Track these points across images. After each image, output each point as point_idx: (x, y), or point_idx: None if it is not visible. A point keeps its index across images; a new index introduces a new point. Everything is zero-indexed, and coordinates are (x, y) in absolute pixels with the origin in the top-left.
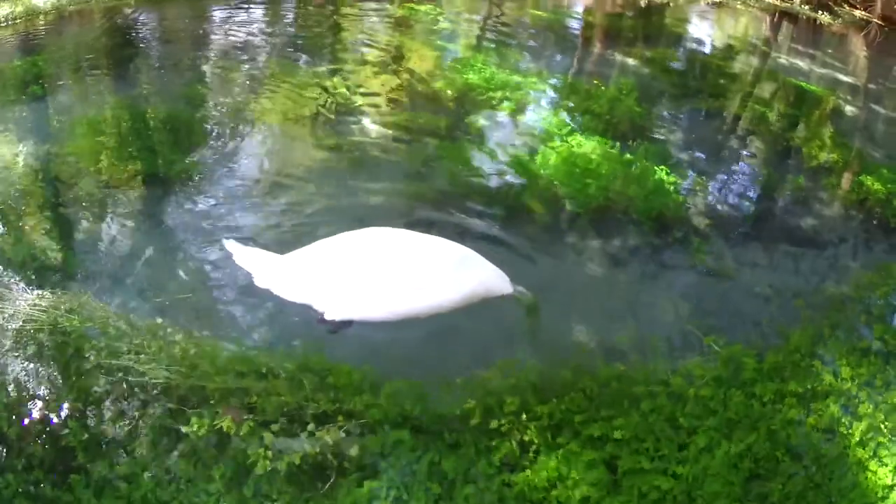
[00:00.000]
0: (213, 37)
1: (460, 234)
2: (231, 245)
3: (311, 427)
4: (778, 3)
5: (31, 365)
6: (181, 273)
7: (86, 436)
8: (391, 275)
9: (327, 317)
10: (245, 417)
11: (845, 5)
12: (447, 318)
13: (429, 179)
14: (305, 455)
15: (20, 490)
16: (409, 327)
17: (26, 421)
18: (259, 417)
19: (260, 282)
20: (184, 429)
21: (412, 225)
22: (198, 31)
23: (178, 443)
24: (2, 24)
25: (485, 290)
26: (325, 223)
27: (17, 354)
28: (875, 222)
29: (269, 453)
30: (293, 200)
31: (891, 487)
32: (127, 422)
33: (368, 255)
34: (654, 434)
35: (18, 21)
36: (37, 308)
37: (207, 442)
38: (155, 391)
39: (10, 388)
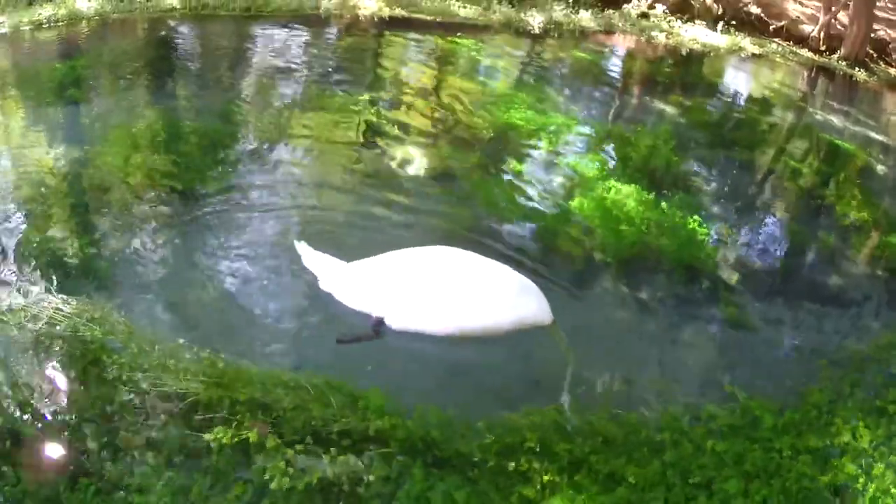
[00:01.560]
0: (254, 56)
1: None
2: (301, 247)
3: (333, 450)
4: (816, 58)
5: (47, 368)
6: (208, 287)
7: (98, 442)
8: (453, 292)
9: (387, 322)
10: (270, 431)
11: (882, 63)
12: (481, 347)
13: (462, 214)
14: (324, 477)
15: (28, 490)
16: (452, 350)
17: (34, 422)
18: (285, 434)
19: (323, 285)
20: (206, 436)
21: None
22: (239, 49)
23: (197, 456)
24: (44, 26)
25: (535, 319)
26: (357, 249)
27: (34, 356)
28: None
29: (290, 470)
30: (324, 226)
31: None
32: (141, 432)
33: (433, 271)
34: (666, 483)
35: (61, 24)
36: (59, 312)
37: (226, 454)
38: (175, 401)
39: (25, 388)
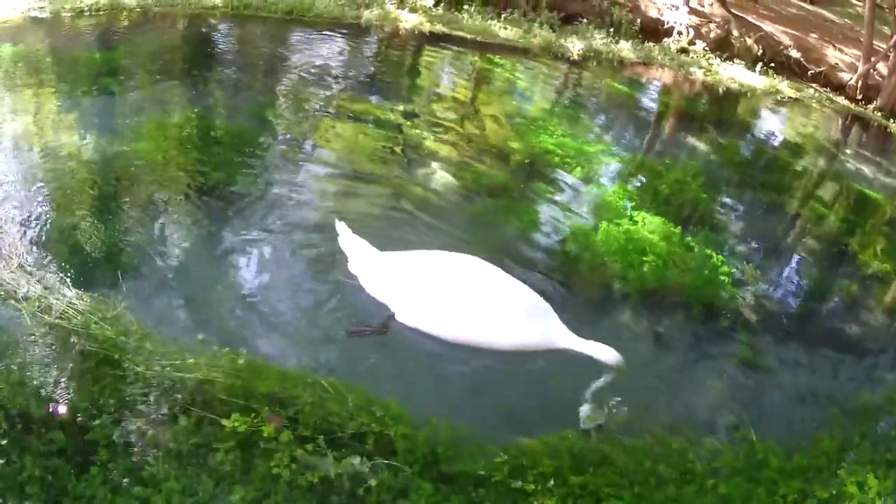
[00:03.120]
0: (292, 60)
1: None
2: (341, 226)
3: (341, 452)
4: (852, 106)
5: (57, 362)
6: (231, 285)
7: (106, 432)
8: (465, 299)
9: (397, 317)
10: (284, 425)
11: None
12: (506, 362)
13: (488, 234)
14: (326, 476)
15: (36, 475)
16: (475, 359)
17: (46, 409)
18: (298, 430)
19: (352, 267)
20: (224, 422)
21: None
22: (278, 52)
23: (207, 449)
24: (85, 14)
25: (547, 343)
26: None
27: (44, 346)
28: None
29: (294, 466)
30: (346, 228)
31: None
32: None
33: (453, 277)
34: None
35: (102, 13)
36: (72, 307)
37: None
38: (188, 394)
39: (36, 376)
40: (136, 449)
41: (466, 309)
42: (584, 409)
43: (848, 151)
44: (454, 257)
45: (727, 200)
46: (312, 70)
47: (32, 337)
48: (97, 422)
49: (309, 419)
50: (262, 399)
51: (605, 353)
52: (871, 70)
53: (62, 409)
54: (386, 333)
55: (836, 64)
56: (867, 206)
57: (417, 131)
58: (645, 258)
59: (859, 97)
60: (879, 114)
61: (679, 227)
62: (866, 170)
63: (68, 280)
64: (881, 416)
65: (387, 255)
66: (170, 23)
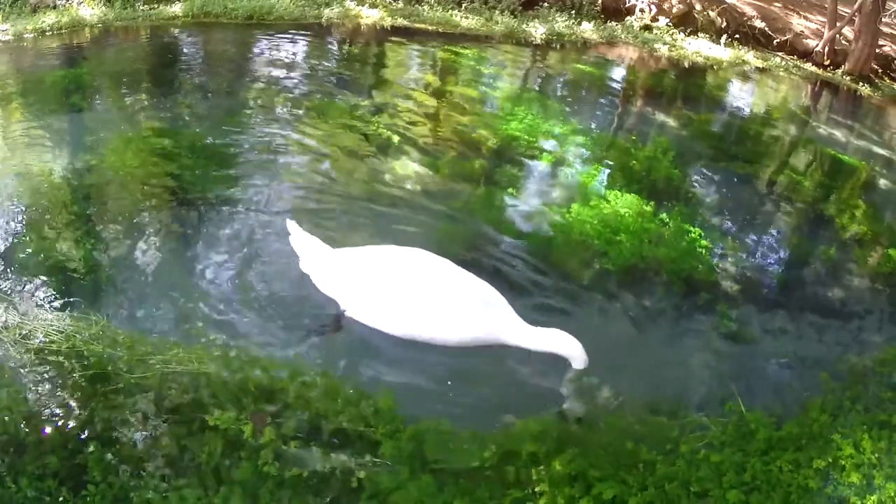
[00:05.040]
0: (256, 65)
1: (489, 281)
2: (292, 225)
3: (328, 447)
4: (820, 72)
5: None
6: (208, 294)
7: (99, 451)
8: (415, 297)
9: (346, 314)
10: (269, 423)
11: (886, 79)
12: (482, 353)
13: (463, 224)
14: (315, 472)
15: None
16: (448, 354)
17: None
18: (284, 426)
19: (303, 266)
20: (210, 420)
21: None
22: (242, 58)
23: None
24: (47, 34)
25: (499, 337)
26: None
27: (31, 372)
28: None
29: (279, 463)
30: (324, 234)
31: None
32: (144, 436)
33: (400, 272)
34: (668, 499)
35: (64, 31)
36: (54, 329)
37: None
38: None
39: (23, 401)
40: (129, 464)
41: (413, 304)
42: (566, 402)
43: (819, 117)
44: (403, 252)
45: (700, 174)
46: (278, 73)
47: (18, 365)
48: (91, 444)
49: (295, 415)
50: (250, 395)
51: (565, 345)
52: (838, 35)
53: (54, 431)
54: (339, 330)
55: (802, 31)
56: (842, 171)
57: (385, 125)
58: (620, 236)
59: (827, 63)
60: (848, 78)
61: (652, 204)
62: (838, 134)
63: (45, 302)
64: (871, 379)
65: (337, 251)
66: (132, 36)
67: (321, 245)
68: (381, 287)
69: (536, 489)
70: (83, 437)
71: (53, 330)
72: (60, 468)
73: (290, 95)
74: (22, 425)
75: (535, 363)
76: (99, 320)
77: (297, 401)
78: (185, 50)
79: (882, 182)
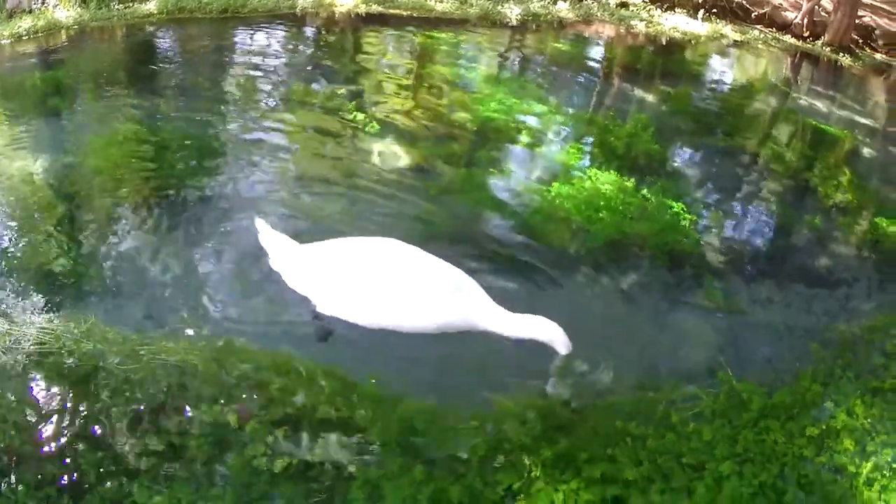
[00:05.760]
0: (233, 57)
1: (472, 263)
2: (260, 223)
3: (317, 436)
4: (799, 44)
5: (39, 388)
6: (194, 292)
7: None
8: (384, 286)
9: (318, 310)
10: (254, 415)
11: (867, 48)
12: (468, 338)
13: (444, 207)
14: (303, 461)
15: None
16: (433, 341)
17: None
18: (270, 416)
19: (273, 264)
20: (190, 411)
21: (425, 250)
22: (218, 51)
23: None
24: (24, 38)
25: (474, 323)
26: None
27: (25, 378)
28: (888, 263)
29: (269, 452)
30: (306, 222)
31: None
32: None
33: (370, 263)
34: (661, 472)
35: (40, 35)
36: (44, 332)
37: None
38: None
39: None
40: (124, 465)
41: (383, 295)
42: (550, 386)
43: (800, 89)
44: (370, 243)
45: (681, 149)
46: (254, 65)
47: (11, 373)
48: (86, 446)
49: (280, 404)
50: (237, 387)
51: (546, 331)
52: (816, 6)
53: (51, 437)
54: (328, 336)
55: (780, 4)
56: (825, 141)
57: (363, 112)
58: (602, 213)
59: (806, 34)
60: (828, 49)
61: (633, 180)
62: (820, 105)
63: (33, 305)
64: (861, 346)
65: (305, 247)
66: (108, 36)
67: (289, 242)
68: (351, 280)
69: (527, 473)
70: (79, 440)
71: (43, 332)
72: (58, 474)
73: (268, 87)
74: (18, 433)
75: (521, 344)
76: (87, 318)
77: (282, 392)
78: (161, 46)
79: (865, 151)
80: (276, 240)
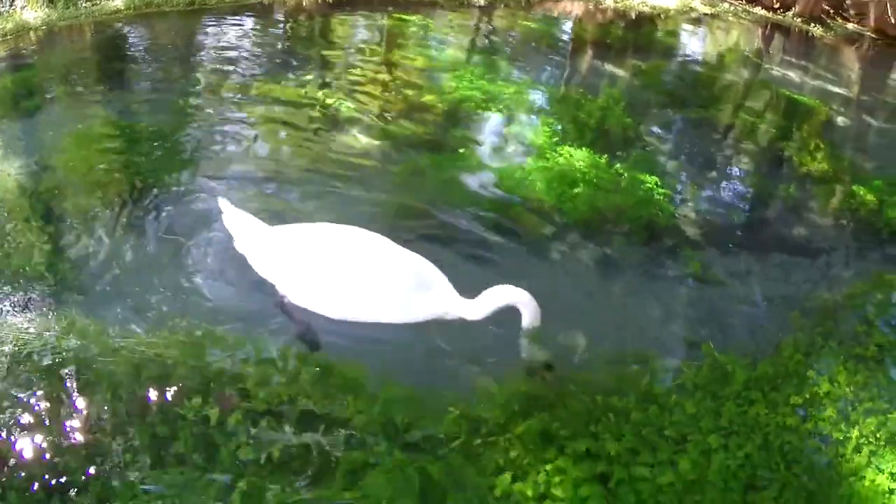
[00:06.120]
0: (203, 50)
1: (446, 246)
2: (223, 204)
3: (300, 425)
4: (770, 15)
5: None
6: (171, 284)
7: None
8: (349, 280)
9: (286, 301)
10: (238, 405)
11: (838, 18)
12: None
13: (417, 191)
14: (287, 448)
15: None
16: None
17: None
18: (252, 406)
19: (238, 246)
20: (179, 409)
21: (394, 233)
22: (188, 45)
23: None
24: None
25: (439, 314)
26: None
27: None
28: (866, 231)
29: (252, 442)
30: (280, 208)
31: (890, 492)
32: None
33: (336, 255)
34: (648, 445)
35: (9, 37)
36: (27, 333)
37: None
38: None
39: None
40: (112, 461)
41: (347, 287)
42: (525, 348)
43: (772, 60)
44: (337, 231)
45: (653, 122)
46: (223, 56)
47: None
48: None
49: (262, 395)
50: (216, 377)
51: (509, 295)
52: None
53: (40, 438)
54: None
55: None
56: (798, 111)
57: (334, 97)
58: (576, 189)
59: (776, 5)
60: (799, 20)
61: (606, 156)
62: (793, 75)
63: (12, 306)
64: (841, 314)
65: (273, 229)
66: (77, 35)
67: (256, 223)
68: (316, 269)
69: (510, 452)
70: (66, 439)
71: (25, 333)
72: (44, 473)
73: (237, 77)
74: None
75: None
76: (67, 315)
77: (260, 384)
78: (130, 42)
79: (839, 120)
80: (242, 220)
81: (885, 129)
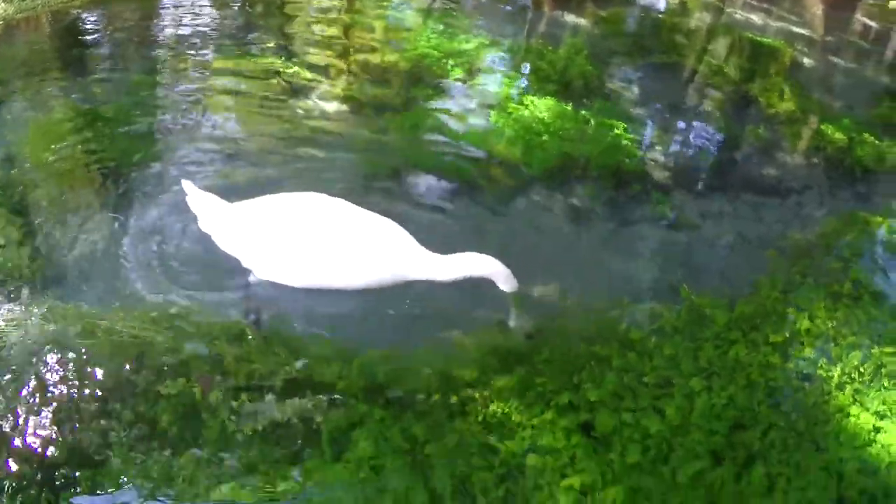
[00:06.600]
0: (162, 30)
1: (414, 205)
2: (186, 185)
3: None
4: None
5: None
6: (146, 263)
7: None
8: (314, 244)
9: (251, 278)
10: (217, 383)
11: None
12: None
13: (382, 152)
14: (273, 421)
15: None
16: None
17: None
18: (232, 383)
19: (203, 226)
20: (160, 389)
21: (364, 194)
22: (147, 27)
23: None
24: None
25: (407, 274)
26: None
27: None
28: (837, 170)
29: (234, 418)
30: (247, 181)
31: (876, 430)
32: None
33: (298, 221)
34: (629, 391)
35: None
36: (10, 323)
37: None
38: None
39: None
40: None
41: (311, 254)
42: (512, 320)
43: (734, 3)
44: (296, 199)
45: (617, 70)
46: (182, 33)
47: None
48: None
49: (240, 372)
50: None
51: (482, 265)
52: None
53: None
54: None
55: None
56: (763, 53)
57: (295, 65)
58: (542, 139)
59: None
60: None
61: (571, 105)
62: (756, 18)
63: None
64: (817, 252)
65: (234, 206)
66: (34, 25)
67: (218, 201)
68: (278, 240)
69: (492, 410)
70: (52, 432)
71: (9, 324)
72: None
73: (197, 53)
74: None
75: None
76: (45, 301)
77: (238, 361)
78: (89, 28)
79: (805, 61)
80: (205, 200)
81: (850, 68)
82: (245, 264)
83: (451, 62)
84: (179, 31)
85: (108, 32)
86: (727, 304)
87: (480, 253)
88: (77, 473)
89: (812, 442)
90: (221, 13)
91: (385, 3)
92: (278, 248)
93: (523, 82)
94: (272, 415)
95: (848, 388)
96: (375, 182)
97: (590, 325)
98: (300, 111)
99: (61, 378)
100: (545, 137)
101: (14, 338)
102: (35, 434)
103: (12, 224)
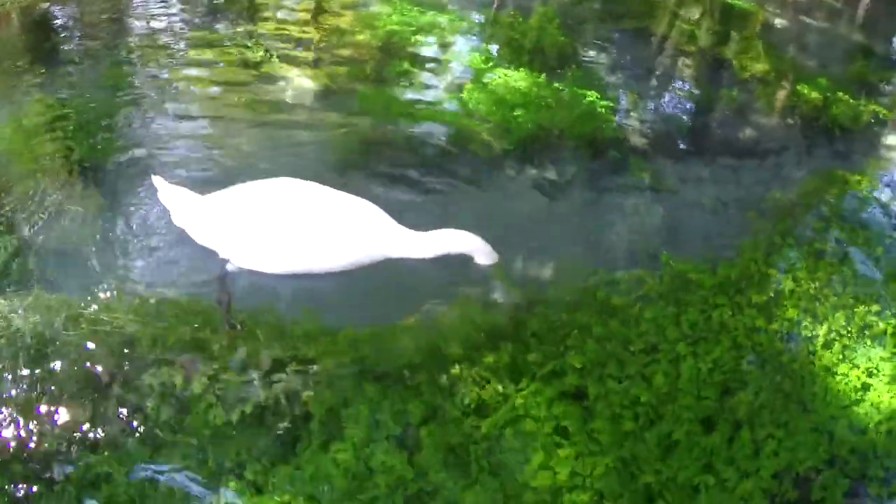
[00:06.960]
0: (132, 21)
1: (393, 181)
2: (157, 181)
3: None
4: None
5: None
6: (127, 255)
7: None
8: (290, 230)
9: (229, 267)
10: (202, 371)
11: None
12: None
13: (355, 132)
14: (259, 403)
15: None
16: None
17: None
18: (216, 366)
19: (176, 220)
20: (147, 378)
21: (341, 175)
22: (117, 18)
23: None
24: None
25: (386, 253)
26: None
27: None
28: (814, 129)
29: (220, 403)
30: (221, 167)
31: (865, 388)
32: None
33: (271, 207)
34: (615, 358)
35: None
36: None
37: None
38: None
39: None
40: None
41: (288, 238)
42: (498, 294)
43: None
44: (268, 185)
45: (589, 37)
46: (153, 24)
47: None
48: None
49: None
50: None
51: (462, 242)
52: None
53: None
54: (227, 288)
55: None
56: (734, 16)
57: (266, 47)
58: (517, 111)
59: None
60: None
61: (545, 74)
62: None
63: None
64: (798, 212)
65: (206, 198)
66: (4, 22)
67: (189, 194)
68: (253, 228)
69: (481, 385)
70: (41, 426)
71: None
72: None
73: (169, 39)
74: None
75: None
76: (31, 292)
77: (222, 347)
78: (59, 22)
79: (777, 22)
80: (176, 194)
81: (823, 28)
82: (222, 255)
83: (422, 37)
84: (150, 20)
85: (79, 24)
86: (710, 269)
87: (458, 228)
88: (66, 464)
89: (800, 403)
90: (192, 3)
91: None
92: (254, 237)
93: (496, 53)
94: (257, 398)
95: (835, 346)
96: (349, 163)
97: (573, 292)
98: (275, 93)
99: (46, 369)
100: (520, 109)
101: (2, 332)
102: (21, 424)
103: None
